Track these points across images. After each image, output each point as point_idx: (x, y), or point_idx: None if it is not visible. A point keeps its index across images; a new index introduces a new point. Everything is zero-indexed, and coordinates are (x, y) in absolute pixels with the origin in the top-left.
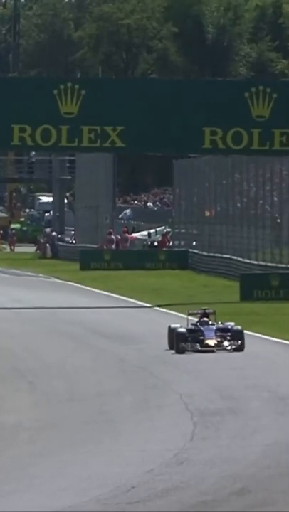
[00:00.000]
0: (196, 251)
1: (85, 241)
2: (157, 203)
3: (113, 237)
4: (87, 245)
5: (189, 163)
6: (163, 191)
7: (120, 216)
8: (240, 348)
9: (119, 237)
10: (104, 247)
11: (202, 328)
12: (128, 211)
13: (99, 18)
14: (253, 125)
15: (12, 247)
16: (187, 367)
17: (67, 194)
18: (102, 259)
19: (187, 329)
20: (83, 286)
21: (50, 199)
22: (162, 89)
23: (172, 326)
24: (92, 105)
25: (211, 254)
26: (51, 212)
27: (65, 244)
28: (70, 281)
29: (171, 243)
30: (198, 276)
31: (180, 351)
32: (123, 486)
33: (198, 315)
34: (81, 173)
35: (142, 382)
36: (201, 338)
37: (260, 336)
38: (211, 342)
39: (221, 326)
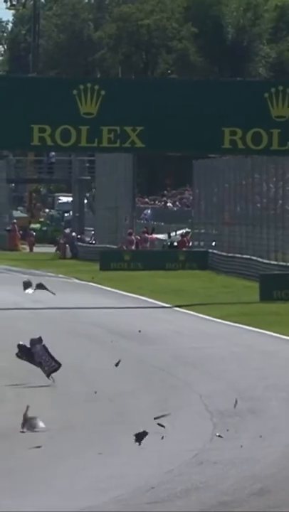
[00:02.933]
0: (215, 251)
1: (104, 241)
2: (177, 203)
3: (133, 237)
4: (107, 246)
5: (209, 163)
6: (182, 191)
7: (141, 217)
8: None
9: (139, 237)
10: (124, 247)
11: None
12: (148, 211)
13: (118, 19)
14: (272, 125)
15: (31, 248)
16: (206, 367)
17: (87, 194)
18: (122, 260)
19: None
20: (103, 287)
21: (70, 199)
22: (182, 90)
23: None
24: (111, 105)
25: (231, 254)
26: (71, 212)
27: (84, 244)
28: (90, 281)
29: (190, 243)
30: (218, 277)
31: None
32: (142, 486)
33: None
34: (101, 174)
35: (161, 382)
36: None
37: (279, 336)
38: None
39: None
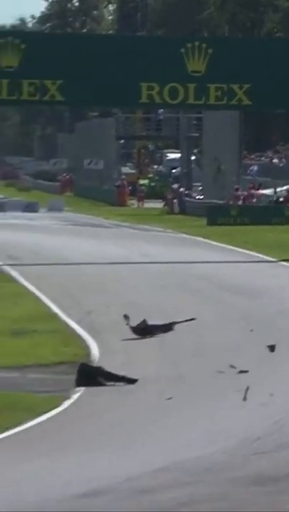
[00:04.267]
0: None
1: (212, 197)
2: (283, 159)
3: (240, 193)
4: (214, 201)
5: None
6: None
7: (247, 173)
8: None
9: (245, 193)
10: (231, 202)
11: None
12: (254, 167)
13: None
14: None
15: (141, 203)
16: None
17: (195, 151)
18: (228, 215)
19: None
20: (210, 241)
21: (178, 156)
22: (288, 48)
23: None
24: (219, 63)
25: None
26: (179, 168)
27: (192, 199)
28: (197, 236)
29: None
30: None
31: None
32: (249, 437)
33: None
34: (208, 131)
35: (267, 336)
36: None
37: None
38: None
39: None
